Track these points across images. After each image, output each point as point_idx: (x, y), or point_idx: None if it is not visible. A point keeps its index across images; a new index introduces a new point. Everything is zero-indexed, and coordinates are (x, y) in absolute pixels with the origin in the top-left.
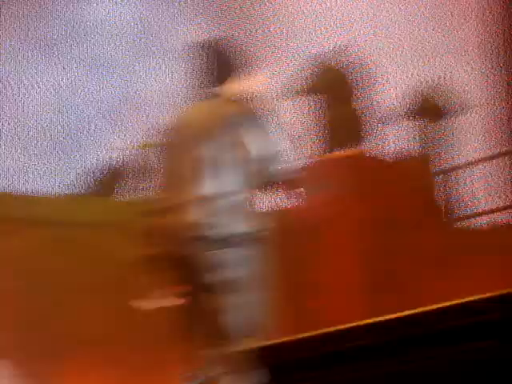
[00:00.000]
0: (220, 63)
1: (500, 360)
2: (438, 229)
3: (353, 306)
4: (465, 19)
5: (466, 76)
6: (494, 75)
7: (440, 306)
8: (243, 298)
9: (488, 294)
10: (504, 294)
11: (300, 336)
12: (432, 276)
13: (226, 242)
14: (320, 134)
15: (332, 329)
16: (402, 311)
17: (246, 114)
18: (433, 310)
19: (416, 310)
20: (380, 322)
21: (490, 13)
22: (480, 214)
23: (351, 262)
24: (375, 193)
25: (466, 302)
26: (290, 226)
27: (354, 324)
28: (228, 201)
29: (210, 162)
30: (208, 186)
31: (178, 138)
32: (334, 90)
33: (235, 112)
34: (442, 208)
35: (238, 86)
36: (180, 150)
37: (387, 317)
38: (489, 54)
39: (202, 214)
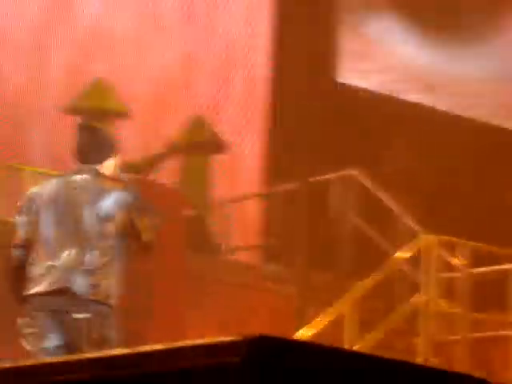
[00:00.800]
0: (95, 144)
1: None
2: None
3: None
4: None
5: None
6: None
7: (180, 344)
8: None
9: (232, 337)
10: (249, 339)
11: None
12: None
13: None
14: None
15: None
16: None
17: (124, 190)
18: (170, 349)
19: (150, 348)
20: (108, 357)
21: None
22: (235, 250)
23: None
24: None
25: (208, 342)
26: None
27: (81, 357)
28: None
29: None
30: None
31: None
32: None
33: (115, 187)
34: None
35: (112, 165)
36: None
37: (117, 351)
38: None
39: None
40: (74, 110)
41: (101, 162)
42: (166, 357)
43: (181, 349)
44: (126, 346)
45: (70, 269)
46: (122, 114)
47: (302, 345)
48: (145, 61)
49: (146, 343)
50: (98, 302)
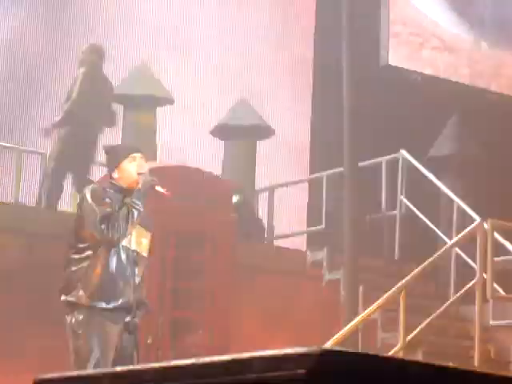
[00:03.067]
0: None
1: None
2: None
3: None
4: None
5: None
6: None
7: (246, 356)
8: None
9: (295, 350)
10: (314, 351)
11: (80, 373)
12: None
13: None
14: None
15: (117, 370)
16: None
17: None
18: (236, 361)
19: (216, 359)
20: (172, 367)
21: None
22: (282, 236)
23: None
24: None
25: (274, 354)
26: None
27: (145, 367)
28: None
29: None
30: None
31: None
32: None
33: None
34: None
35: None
36: None
37: (183, 362)
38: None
39: None
40: (117, 98)
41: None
42: (230, 369)
43: (246, 360)
44: (175, 338)
45: None
46: (165, 100)
47: (367, 357)
48: (190, 47)
49: (197, 331)
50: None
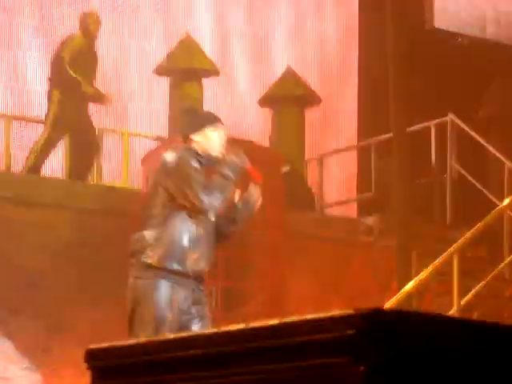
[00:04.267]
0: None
1: (352, 376)
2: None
3: None
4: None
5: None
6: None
7: (294, 319)
8: None
9: (344, 311)
10: (364, 312)
11: (133, 341)
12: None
13: None
14: None
15: (169, 337)
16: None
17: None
18: (284, 324)
19: (265, 323)
20: (223, 333)
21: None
22: (333, 204)
23: None
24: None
25: (322, 317)
26: None
27: (195, 333)
28: None
29: None
30: None
31: None
32: None
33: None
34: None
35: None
36: None
37: (233, 327)
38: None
39: None
40: (164, 71)
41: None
42: (281, 332)
43: (296, 323)
44: (229, 308)
45: None
46: (211, 72)
47: (416, 315)
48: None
49: (248, 300)
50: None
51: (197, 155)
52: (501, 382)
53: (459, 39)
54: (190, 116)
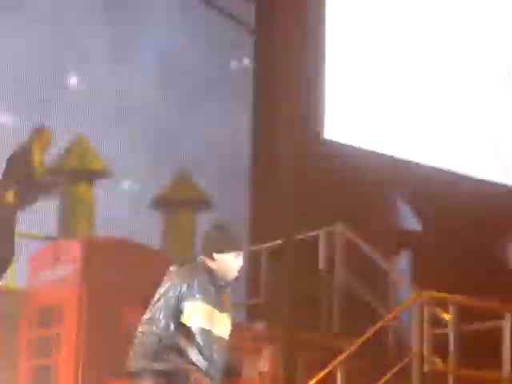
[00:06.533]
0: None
1: None
2: None
3: None
4: None
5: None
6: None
7: None
8: None
9: None
10: None
11: None
12: None
13: None
14: None
15: None
16: None
17: None
18: None
19: None
20: None
21: None
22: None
23: None
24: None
25: None
26: None
27: None
28: None
29: None
30: None
31: None
32: None
33: None
34: None
35: None
36: None
37: None
38: None
39: None
40: (55, 171)
41: None
42: None
43: None
44: None
45: None
46: (104, 174)
47: None
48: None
49: None
50: None
51: (210, 277)
52: None
53: (350, 149)
54: (221, 234)
